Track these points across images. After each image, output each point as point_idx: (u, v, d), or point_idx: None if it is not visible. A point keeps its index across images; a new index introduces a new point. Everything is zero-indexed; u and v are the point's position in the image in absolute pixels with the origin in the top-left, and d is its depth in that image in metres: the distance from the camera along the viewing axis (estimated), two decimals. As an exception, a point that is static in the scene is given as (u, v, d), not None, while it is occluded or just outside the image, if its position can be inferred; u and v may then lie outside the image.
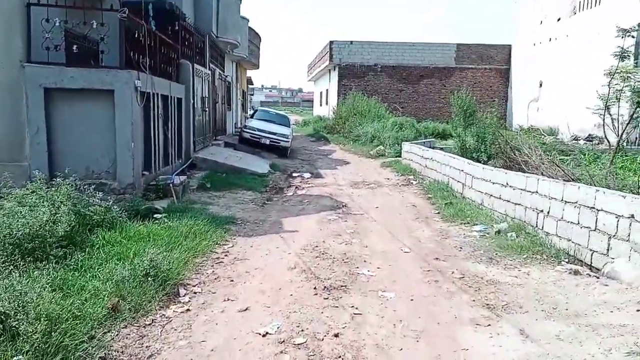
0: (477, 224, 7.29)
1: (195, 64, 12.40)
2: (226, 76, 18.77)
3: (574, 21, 22.12)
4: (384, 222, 7.75)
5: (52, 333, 3.35)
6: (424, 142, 15.24)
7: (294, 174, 13.27)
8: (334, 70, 29.70)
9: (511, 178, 7.74)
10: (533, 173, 7.71)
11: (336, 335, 3.87)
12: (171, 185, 8.40)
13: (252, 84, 43.24)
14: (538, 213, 6.94)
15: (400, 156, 16.66)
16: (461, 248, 6.21)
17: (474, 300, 4.55)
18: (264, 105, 60.84)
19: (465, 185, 9.55)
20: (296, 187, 11.26)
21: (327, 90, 33.02)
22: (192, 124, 12.00)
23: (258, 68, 26.80)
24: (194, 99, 12.03)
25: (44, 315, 3.37)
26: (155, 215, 6.90)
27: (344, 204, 9.21)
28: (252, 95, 63.61)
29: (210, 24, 15.17)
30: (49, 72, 7.54)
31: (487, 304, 4.45)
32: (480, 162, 10.86)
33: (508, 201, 7.75)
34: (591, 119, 21.24)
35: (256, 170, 12.25)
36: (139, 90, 8.02)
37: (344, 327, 4.02)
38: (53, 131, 7.66)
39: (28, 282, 3.78)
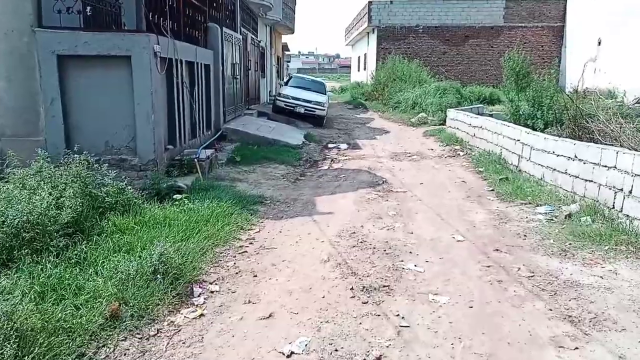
0: (540, 205, 6.26)
1: (224, 28, 11.53)
2: (259, 41, 17.83)
3: (642, -30, 19.75)
4: (431, 201, 6.82)
5: (25, 358, 2.69)
6: (471, 109, 13.97)
7: (330, 145, 12.39)
8: (373, 32, 28.17)
9: (581, 150, 6.61)
10: (608, 144, 6.55)
11: (378, 359, 3.08)
12: (196, 160, 7.70)
13: (288, 50, 42.06)
14: (616, 192, 5.84)
15: (444, 124, 15.43)
16: (525, 236, 5.24)
17: (551, 310, 3.63)
18: (301, 72, 59.54)
19: (522, 158, 8.43)
20: (332, 160, 10.39)
21: (365, 54, 31.55)
22: (221, 93, 11.24)
23: (293, 33, 25.66)
24: (223, 66, 11.23)
25: (13, 336, 2.71)
26: (175, 196, 6.21)
27: (384, 179, 8.30)
28: (289, 62, 62.25)
29: (241, -15, 14.19)
30: (62, 38, 6.84)
31: (569, 316, 3.53)
32: (535, 129, 9.65)
33: (576, 177, 6.65)
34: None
35: (289, 142, 11.44)
36: (159, 56, 7.25)
37: (388, 346, 3.22)
38: (69, 103, 7.03)
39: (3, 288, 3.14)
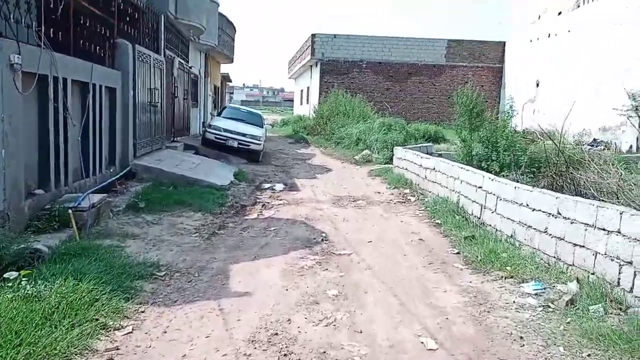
0: (526, 280, 4.71)
1: (139, 47, 9.61)
2: (190, 67, 15.96)
3: (578, 15, 19.86)
4: (383, 271, 5.12)
5: None
6: (420, 147, 12.69)
7: (264, 186, 10.57)
8: (316, 66, 27.06)
9: (567, 205, 5.19)
10: (602, 200, 5.18)
11: None
12: (71, 211, 5.63)
13: (230, 81, 40.32)
14: (622, 265, 4.41)
15: (390, 163, 14.07)
16: (521, 338, 3.61)
17: None
18: (245, 104, 57.72)
19: (485, 208, 6.99)
20: (263, 205, 8.56)
21: (308, 87, 30.37)
22: (131, 122, 9.22)
23: (232, 62, 23.98)
24: (134, 90, 9.25)
25: None
26: (8, 274, 4.12)
27: (324, 234, 6.56)
28: (232, 94, 60.49)
29: (167, 2, 12.38)
30: None
31: None
32: (490, 172, 8.35)
33: (561, 239, 5.21)
34: (596, 121, 19.10)
35: (214, 182, 9.52)
36: (20, 70, 5.25)
37: None
38: None
39: None
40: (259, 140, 14.03)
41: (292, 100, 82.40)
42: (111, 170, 8.43)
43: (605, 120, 17.53)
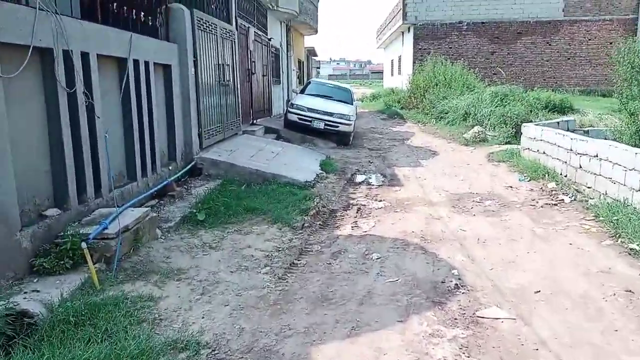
0: None
1: (200, 13, 7.73)
2: (269, 39, 14.00)
3: None
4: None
5: None
6: (557, 123, 9.70)
7: (357, 178, 8.37)
8: (408, 31, 24.01)
9: None
10: None
11: None
12: (86, 245, 3.83)
13: (316, 56, 38.29)
14: None
15: (512, 143, 11.20)
16: None
17: None
18: (332, 79, 55.45)
19: None
20: (358, 210, 6.37)
21: (399, 57, 27.38)
22: (194, 107, 7.41)
23: (316, 32, 21.78)
24: (195, 67, 7.41)
25: None
26: None
27: (455, 272, 4.22)
28: (319, 68, 58.40)
29: (238, -39, 10.40)
30: None
31: None
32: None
33: None
34: None
35: (296, 177, 7.49)
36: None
37: None
38: None
39: None
40: (349, 120, 11.79)
41: (380, 72, 78.91)
42: (170, 168, 6.69)
43: None
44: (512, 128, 11.42)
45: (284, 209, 6.08)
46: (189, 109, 7.26)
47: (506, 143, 11.21)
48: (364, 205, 6.70)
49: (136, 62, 5.68)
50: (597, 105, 17.53)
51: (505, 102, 14.23)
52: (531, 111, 13.57)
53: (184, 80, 7.15)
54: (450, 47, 22.78)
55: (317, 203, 6.45)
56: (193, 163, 7.26)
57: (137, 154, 5.66)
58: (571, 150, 7.29)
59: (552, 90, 18.70)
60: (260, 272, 4.23)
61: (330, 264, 4.53)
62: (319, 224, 5.81)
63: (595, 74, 22.52)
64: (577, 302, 3.64)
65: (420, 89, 18.75)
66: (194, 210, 5.58)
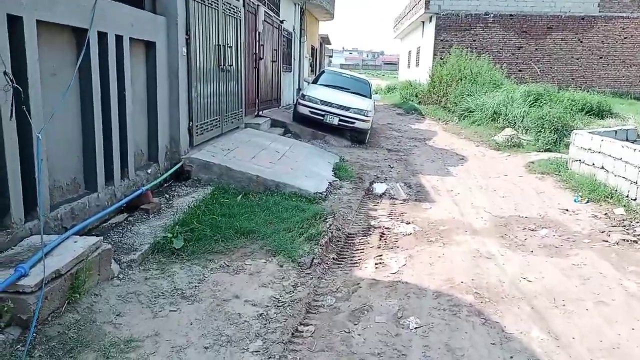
0: None
1: (200, -19, 6.27)
2: (282, 21, 12.50)
3: None
4: None
5: None
6: (615, 132, 8.19)
7: (377, 188, 6.94)
8: (430, 21, 22.36)
9: None
10: None
11: None
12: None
13: (330, 44, 36.64)
14: None
15: (552, 151, 9.73)
16: None
17: None
18: (344, 68, 53.58)
19: None
20: (381, 237, 4.97)
21: (418, 48, 25.73)
22: (184, 95, 6.00)
23: (332, 18, 20.19)
24: (188, 46, 5.98)
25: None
26: None
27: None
28: (331, 57, 56.52)
29: None
30: None
31: None
32: None
33: None
34: None
35: (305, 187, 6.08)
36: None
37: None
38: None
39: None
40: (366, 116, 10.32)
41: (393, 64, 76.89)
42: (148, 172, 5.31)
43: None
44: (553, 133, 9.91)
45: (288, 232, 4.69)
46: (178, 98, 5.85)
47: (546, 150, 9.72)
48: (389, 228, 5.29)
49: (103, 36, 4.27)
50: (635, 109, 15.90)
51: (540, 102, 12.72)
52: (567, 114, 12.04)
53: (173, 62, 5.74)
54: (474, 40, 21.14)
55: (331, 225, 5.04)
56: (179, 165, 5.86)
57: (98, 156, 4.27)
58: (647, 169, 5.82)
59: (583, 91, 17.11)
60: (247, 350, 2.84)
61: (349, 332, 3.14)
62: (333, 258, 4.41)
63: (629, 75, 20.84)
64: None
65: (443, 84, 17.19)
66: (170, 235, 4.20)
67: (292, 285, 3.70)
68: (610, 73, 20.86)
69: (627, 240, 4.93)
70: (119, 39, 4.55)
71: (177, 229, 4.32)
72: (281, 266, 4.02)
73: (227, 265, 3.94)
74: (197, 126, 6.39)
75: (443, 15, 21.29)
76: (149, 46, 5.33)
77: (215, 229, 4.51)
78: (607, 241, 4.95)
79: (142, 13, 5.16)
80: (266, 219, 4.96)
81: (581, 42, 20.82)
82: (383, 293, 3.69)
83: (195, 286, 3.55)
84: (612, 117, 13.74)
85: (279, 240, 4.46)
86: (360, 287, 3.80)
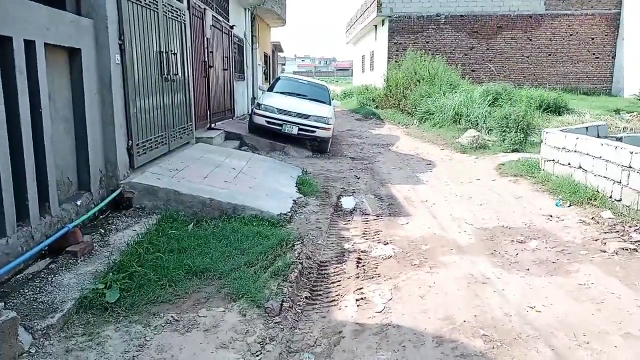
0: None
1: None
2: (232, 27, 11.71)
3: None
4: None
5: None
6: (587, 129, 7.90)
7: (345, 204, 6.27)
8: (383, 24, 22.10)
9: None
10: None
11: None
12: None
13: (282, 51, 35.94)
14: None
15: (519, 151, 9.42)
16: None
17: None
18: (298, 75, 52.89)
19: None
20: (358, 263, 4.29)
21: (372, 52, 25.46)
22: (120, 110, 5.12)
23: (284, 23, 19.53)
24: (122, 54, 5.11)
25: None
26: None
27: None
28: (284, 65, 55.81)
29: None
30: None
31: None
32: None
33: None
34: None
35: (266, 208, 5.33)
36: None
37: None
38: None
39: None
40: (327, 124, 9.67)
41: (346, 70, 77.19)
42: (78, 203, 4.40)
43: None
44: (519, 133, 9.60)
45: (251, 267, 3.94)
46: (112, 113, 4.97)
47: (513, 151, 9.39)
48: (365, 252, 4.62)
49: (6, 40, 3.39)
50: (587, 104, 16.11)
51: (500, 101, 12.52)
52: (528, 113, 11.87)
53: (104, 72, 4.86)
54: (427, 42, 21.03)
55: (300, 254, 4.31)
56: (118, 192, 4.97)
57: (5, 192, 3.37)
58: (631, 167, 5.44)
59: (535, 88, 17.20)
60: None
61: (337, 407, 2.42)
62: (306, 297, 3.68)
63: (577, 71, 21.27)
64: None
65: (400, 87, 16.84)
66: (102, 285, 3.35)
67: (259, 343, 2.95)
68: (559, 70, 21.23)
69: (627, 249, 4.47)
70: (29, 44, 3.67)
71: (112, 277, 3.47)
72: (244, 315, 3.26)
73: (176, 320, 3.14)
74: (137, 145, 5.51)
75: (395, 17, 21.07)
76: (74, 54, 4.45)
77: (161, 270, 3.70)
78: (605, 251, 4.47)
79: (62, 14, 4.27)
80: (223, 252, 4.18)
81: (530, 40, 21.10)
82: (372, 343, 3.00)
83: (133, 356, 2.73)
84: (568, 114, 13.77)
85: (240, 279, 3.69)
86: (342, 337, 3.09)
